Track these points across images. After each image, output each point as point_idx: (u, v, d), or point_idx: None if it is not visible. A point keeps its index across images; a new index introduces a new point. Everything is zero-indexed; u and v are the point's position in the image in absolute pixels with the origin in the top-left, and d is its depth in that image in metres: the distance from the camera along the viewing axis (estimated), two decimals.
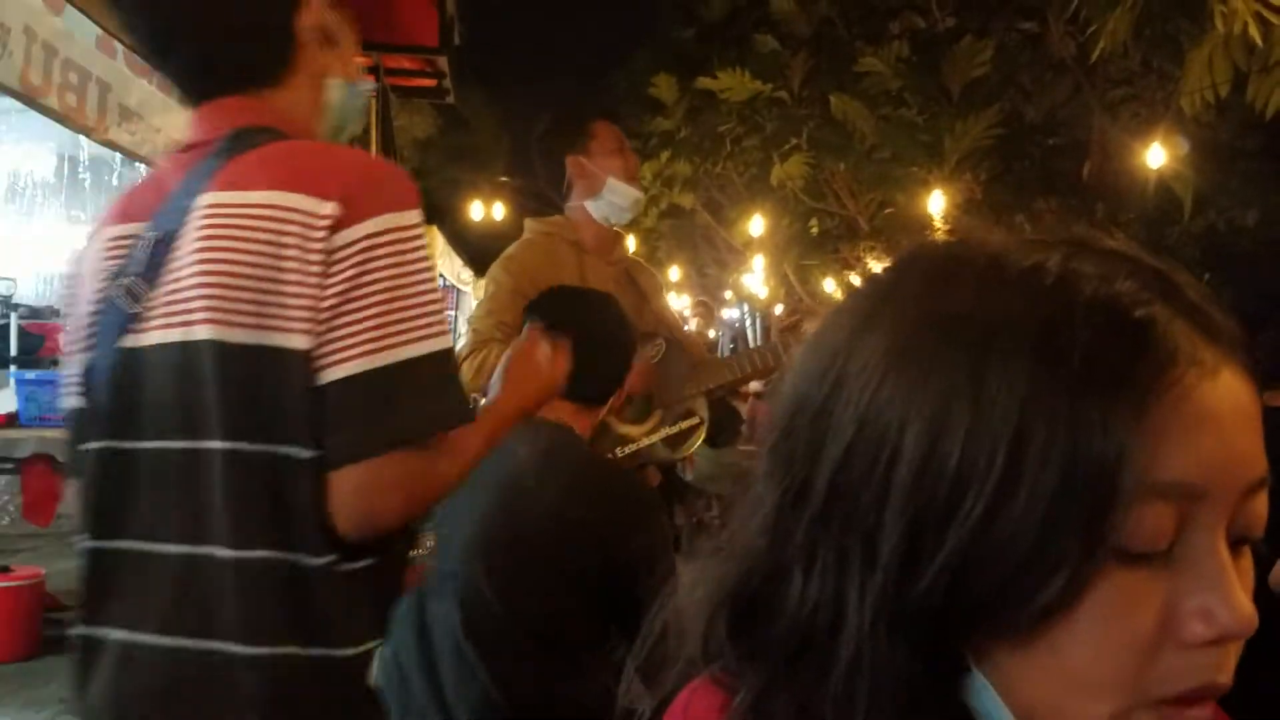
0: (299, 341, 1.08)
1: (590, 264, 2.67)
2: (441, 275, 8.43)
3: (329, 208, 1.09)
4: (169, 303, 1.13)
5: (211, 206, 1.12)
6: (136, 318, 1.15)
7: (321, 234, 1.09)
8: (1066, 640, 0.50)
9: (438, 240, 8.02)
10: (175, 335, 1.12)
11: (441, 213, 9.95)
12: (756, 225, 8.49)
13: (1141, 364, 0.50)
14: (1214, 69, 4.50)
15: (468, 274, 9.85)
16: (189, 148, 1.23)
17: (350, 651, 1.13)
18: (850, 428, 0.54)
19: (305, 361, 1.08)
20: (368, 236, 1.10)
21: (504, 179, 11.24)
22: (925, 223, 6.40)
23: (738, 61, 8.80)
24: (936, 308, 0.54)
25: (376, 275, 1.10)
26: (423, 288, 1.13)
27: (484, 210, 10.27)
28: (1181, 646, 0.50)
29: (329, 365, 1.08)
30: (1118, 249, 0.55)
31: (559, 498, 1.77)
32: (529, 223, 2.81)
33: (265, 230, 1.10)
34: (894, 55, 6.99)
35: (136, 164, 4.43)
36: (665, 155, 11.18)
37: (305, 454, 1.09)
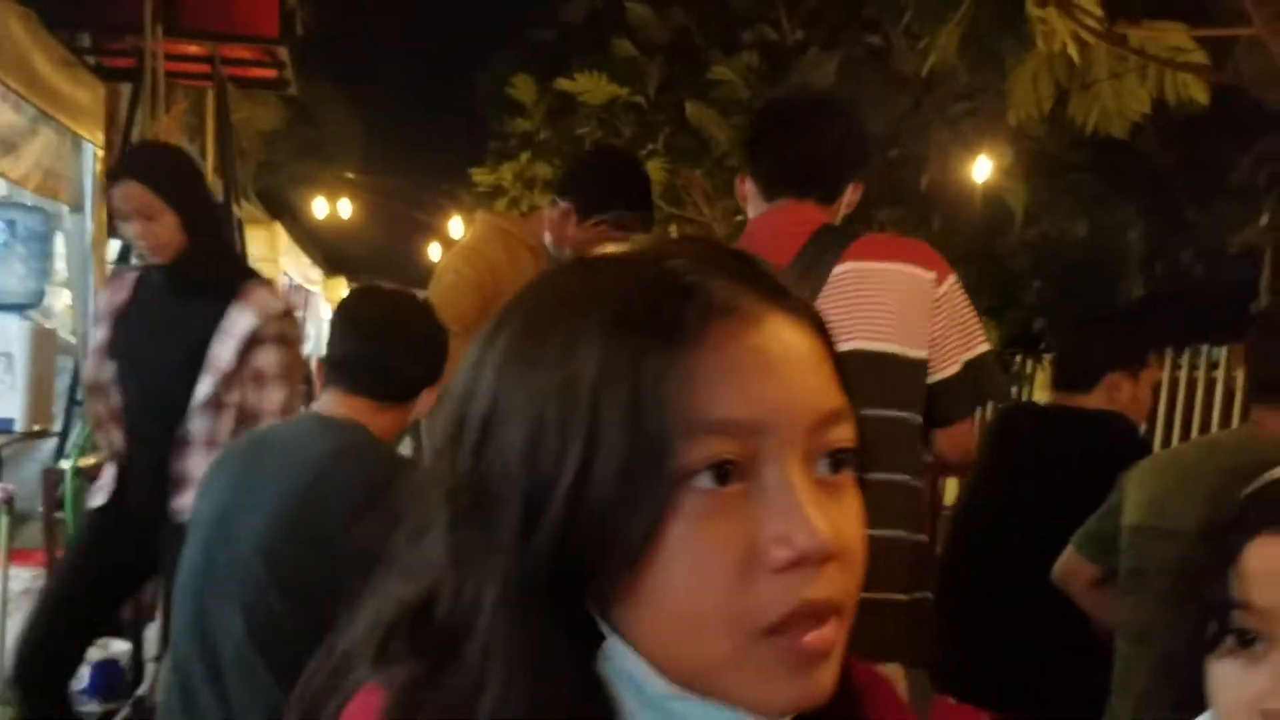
0: (923, 355, 1.88)
1: (538, 267, 2.66)
2: (286, 274, 8.18)
3: (931, 275, 1.89)
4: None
5: (856, 269, 1.86)
6: None
7: (929, 289, 1.88)
8: (665, 584, 0.53)
9: (281, 238, 7.77)
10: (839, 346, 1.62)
11: (288, 209, 9.66)
12: None
13: (682, 316, 0.55)
14: (1038, 86, 4.70)
15: (316, 273, 9.58)
16: (777, 237, 1.90)
17: (924, 537, 1.97)
18: (477, 431, 0.58)
19: (922, 365, 1.88)
20: (949, 290, 1.91)
21: (351, 175, 10.98)
22: None
23: (597, 65, 8.84)
24: (536, 305, 0.60)
25: (956, 312, 1.91)
26: (972, 311, 1.95)
27: (329, 207, 10.03)
28: (770, 573, 0.53)
29: (936, 370, 1.89)
30: (692, 242, 0.61)
31: (344, 497, 1.72)
32: (484, 215, 2.75)
33: (901, 285, 1.87)
34: (745, 65, 7.11)
35: None
36: (525, 156, 11.14)
37: (919, 419, 1.90)
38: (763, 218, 2.04)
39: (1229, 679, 0.71)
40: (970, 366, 1.90)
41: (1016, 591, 2.19)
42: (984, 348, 1.94)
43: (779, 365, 0.56)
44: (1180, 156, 6.83)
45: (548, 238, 2.63)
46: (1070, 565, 2.03)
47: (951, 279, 1.92)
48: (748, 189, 2.08)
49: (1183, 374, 5.78)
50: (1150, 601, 1.81)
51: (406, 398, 1.92)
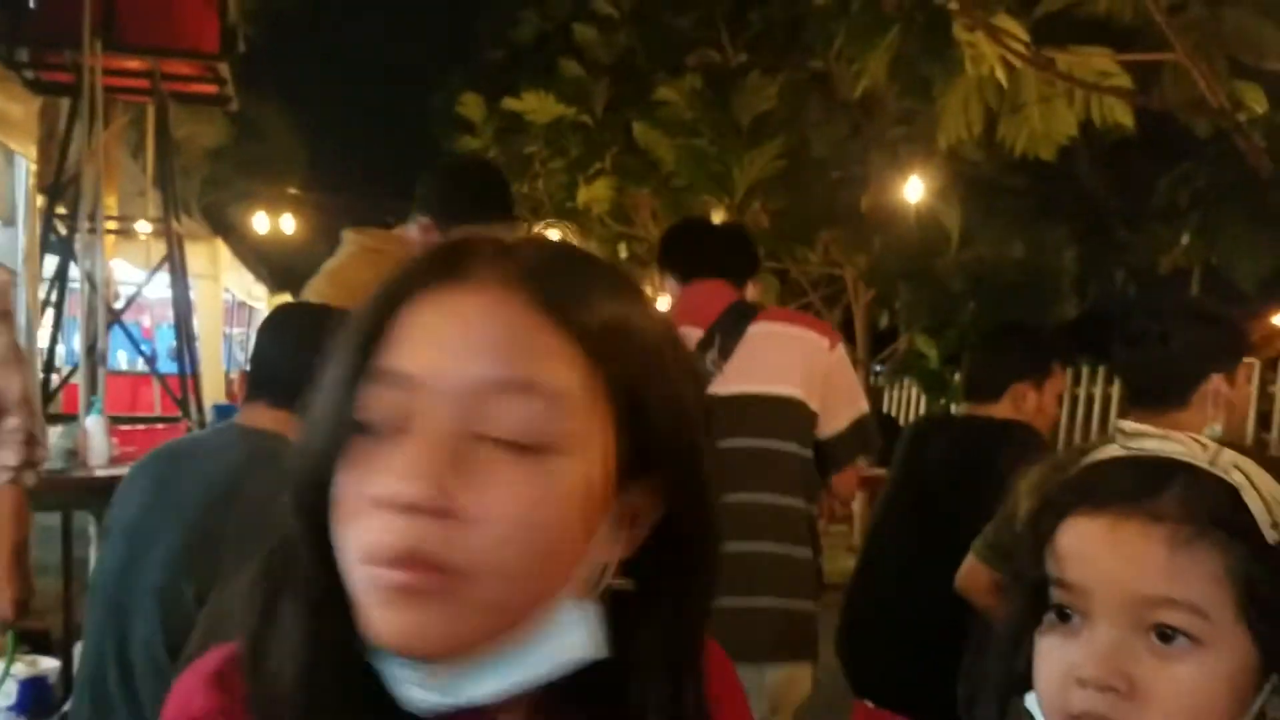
0: (816, 407, 2.25)
1: None
2: (228, 290, 8.12)
3: (825, 342, 2.30)
4: (742, 372, 2.19)
5: (766, 329, 2.26)
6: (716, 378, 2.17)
7: (825, 354, 2.28)
8: (336, 516, 0.59)
9: (222, 254, 7.72)
10: (751, 389, 2.20)
11: (232, 225, 9.58)
12: None
13: (410, 282, 0.60)
14: (968, 109, 4.80)
15: (260, 289, 9.51)
16: (700, 306, 2.29)
17: (819, 558, 2.33)
18: None
19: (815, 415, 2.25)
20: (839, 356, 2.33)
21: (295, 191, 10.92)
22: None
23: (545, 85, 8.90)
24: None
25: (845, 376, 2.36)
26: (854, 376, 2.47)
27: (273, 223, 9.97)
28: (375, 510, 0.56)
29: (829, 424, 2.28)
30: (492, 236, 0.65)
31: (264, 503, 1.73)
32: (352, 235, 2.68)
33: (802, 346, 2.28)
34: (688, 87, 7.19)
35: None
36: None
37: (811, 455, 2.26)
38: (685, 294, 2.40)
39: (1050, 653, 0.75)
40: (855, 423, 2.32)
41: (926, 597, 2.23)
42: (865, 407, 2.39)
43: (450, 333, 0.58)
44: (1112, 179, 6.98)
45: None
46: (970, 572, 2.05)
47: (840, 347, 2.35)
48: (668, 285, 2.47)
49: (1110, 390, 5.90)
50: None
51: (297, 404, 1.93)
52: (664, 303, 2.53)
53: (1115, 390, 5.94)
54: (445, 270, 0.60)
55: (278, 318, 2.05)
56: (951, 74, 4.32)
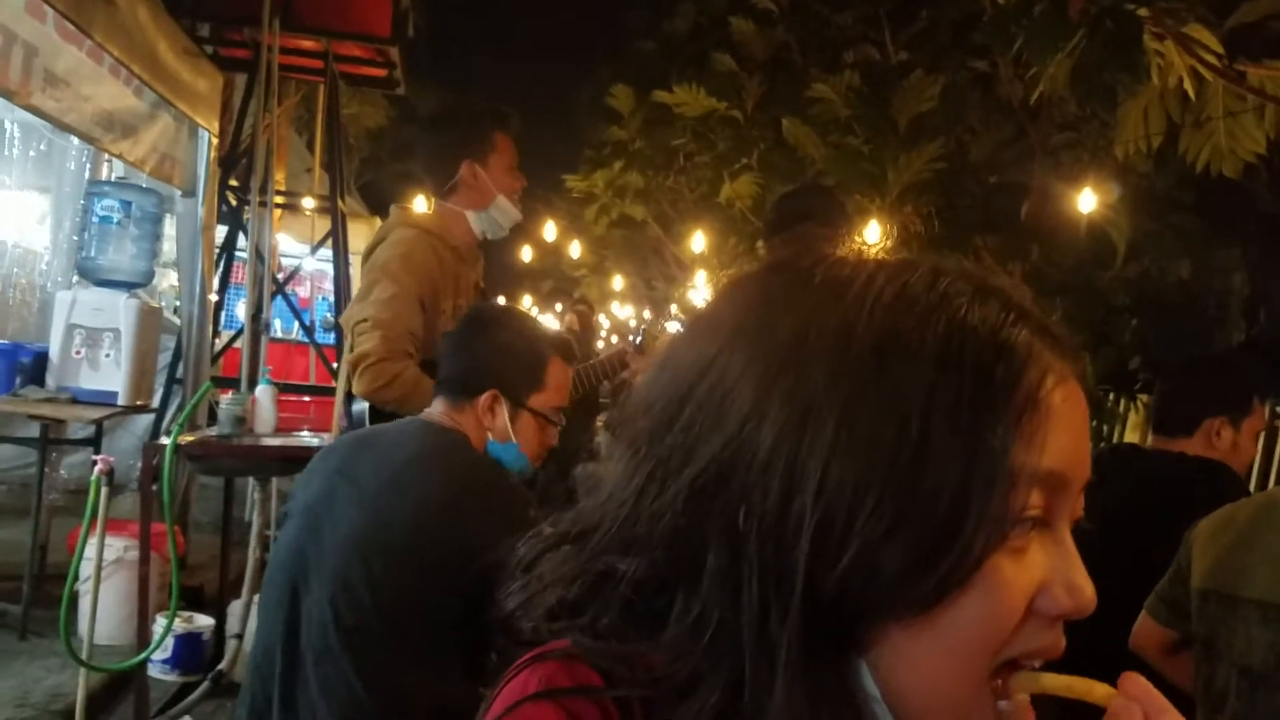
0: None
1: (463, 271, 2.69)
2: None
3: None
4: None
5: None
6: None
7: None
8: (957, 617, 0.56)
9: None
10: None
11: (388, 205, 9.83)
12: (699, 242, 8.54)
13: (1024, 375, 0.57)
14: (1149, 120, 4.60)
15: None
16: None
17: None
18: (735, 424, 0.58)
19: None
20: None
21: None
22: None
23: (695, 78, 8.87)
24: (834, 322, 0.58)
25: None
26: None
27: (429, 206, 10.19)
28: (1040, 618, 0.58)
29: None
30: (970, 269, 0.62)
31: (433, 493, 1.75)
32: (401, 213, 2.76)
33: None
34: (845, 84, 7.05)
35: (67, 135, 4.34)
36: (618, 165, 11.23)
37: None
38: None
39: None
40: None
41: (1099, 645, 2.12)
42: None
43: (1079, 425, 0.59)
44: None
45: (472, 219, 2.73)
46: (1144, 630, 1.92)
47: None
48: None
49: None
50: (1224, 671, 1.71)
51: (465, 392, 1.92)
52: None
53: None
54: (1061, 346, 0.60)
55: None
56: (1137, 83, 4.13)
